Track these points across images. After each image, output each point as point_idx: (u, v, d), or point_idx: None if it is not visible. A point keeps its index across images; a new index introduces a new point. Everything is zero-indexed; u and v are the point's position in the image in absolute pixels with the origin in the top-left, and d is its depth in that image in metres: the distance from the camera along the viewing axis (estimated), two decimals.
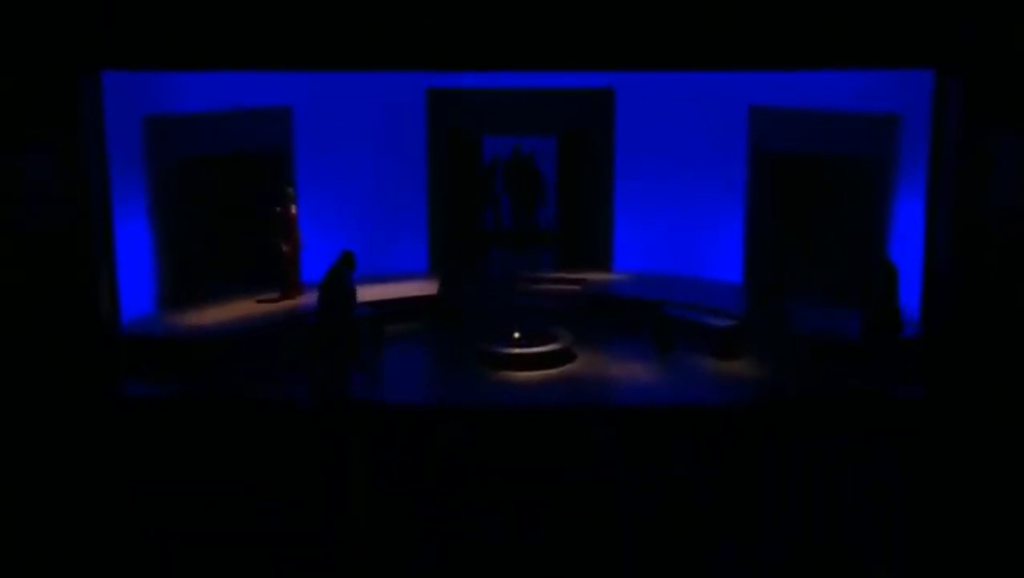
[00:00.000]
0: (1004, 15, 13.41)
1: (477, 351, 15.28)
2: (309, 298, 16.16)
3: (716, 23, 13.59)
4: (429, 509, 10.94)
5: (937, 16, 13.46)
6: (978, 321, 13.91)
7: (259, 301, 16.56)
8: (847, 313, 15.08)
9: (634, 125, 18.39)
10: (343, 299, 13.93)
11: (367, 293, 16.01)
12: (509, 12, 13.54)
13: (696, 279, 17.50)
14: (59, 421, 12.95)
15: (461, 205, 19.54)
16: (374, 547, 10.42)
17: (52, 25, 13.43)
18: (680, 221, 18.17)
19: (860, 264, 15.26)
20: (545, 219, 21.27)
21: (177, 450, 12.40)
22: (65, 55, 13.53)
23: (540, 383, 14.46)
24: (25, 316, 13.74)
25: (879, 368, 13.94)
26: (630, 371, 14.94)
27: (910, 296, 14.83)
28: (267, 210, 16.62)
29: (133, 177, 15.58)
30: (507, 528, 10.59)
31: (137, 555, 10.39)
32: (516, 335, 15.42)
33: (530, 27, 13.59)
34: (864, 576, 10.03)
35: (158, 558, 10.30)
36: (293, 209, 16.64)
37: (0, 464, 12.02)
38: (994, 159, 13.69)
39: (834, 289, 16.05)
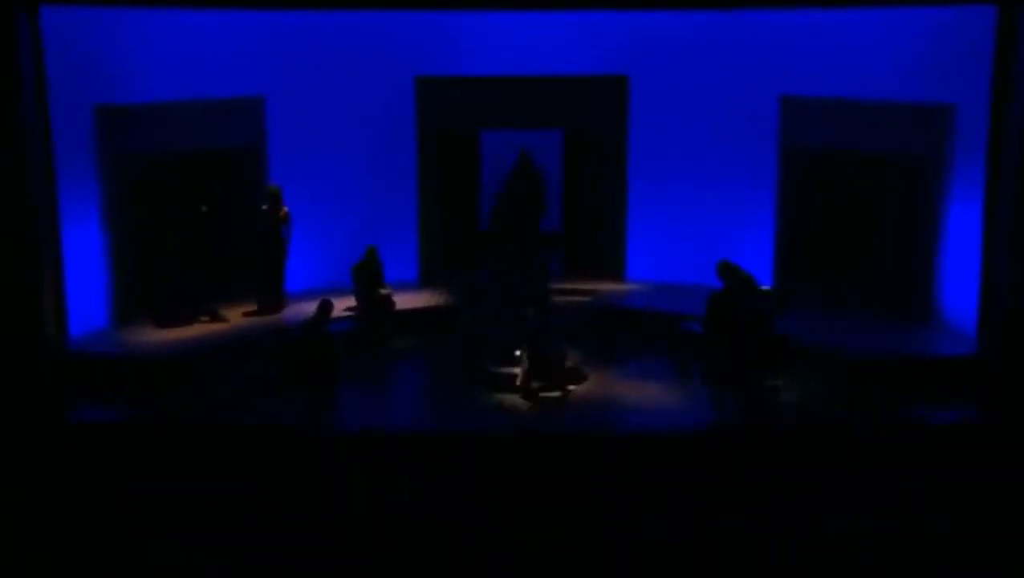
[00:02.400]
0: None
1: (474, 371, 15.12)
2: (292, 311, 16.50)
3: None
4: (422, 547, 10.83)
5: None
6: None
7: (244, 314, 16.52)
8: (890, 328, 15.42)
9: (650, 118, 18.17)
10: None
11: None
12: None
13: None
14: None
15: (457, 207, 19.46)
16: None
17: None
18: (701, 226, 18.00)
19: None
20: (550, 223, 20.98)
21: (132, 483, 12.18)
22: None
23: (545, 406, 14.28)
24: None
25: (924, 389, 13.98)
26: (646, 393, 14.76)
27: (966, 310, 14.88)
28: (254, 210, 16.55)
29: (83, 174, 15.30)
30: (508, 569, 10.50)
31: None
32: (518, 353, 15.19)
33: None
34: None
35: None
36: (284, 209, 16.56)
37: None
38: None
39: (876, 302, 16.06)
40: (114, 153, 15.72)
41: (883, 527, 11.23)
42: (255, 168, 17.22)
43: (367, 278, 16.43)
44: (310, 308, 14.97)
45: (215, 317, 16.19)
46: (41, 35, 14.15)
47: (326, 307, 14.55)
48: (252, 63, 16.71)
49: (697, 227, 17.98)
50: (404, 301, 17.10)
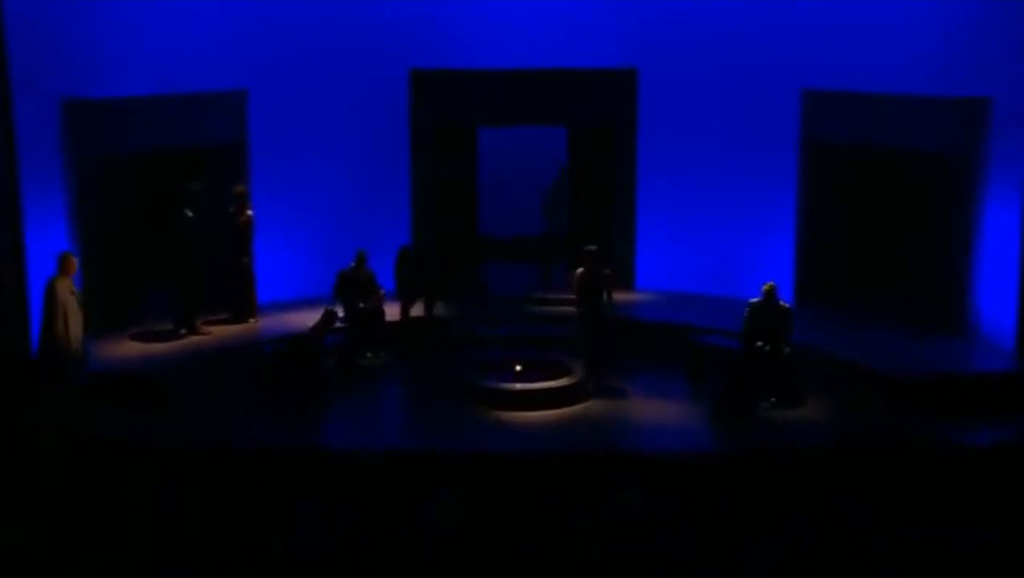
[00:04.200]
0: None
1: (470, 387, 15.07)
2: (265, 323, 16.64)
3: None
4: (420, 566, 10.70)
5: None
6: None
7: (204, 323, 16.43)
8: (920, 341, 15.45)
9: (662, 113, 18.21)
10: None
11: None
12: None
13: (737, 300, 16.80)
14: None
15: (454, 210, 19.39)
16: None
17: None
18: (717, 230, 18.05)
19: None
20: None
21: (103, 505, 11.90)
22: None
23: (547, 426, 14.33)
24: None
25: (957, 407, 13.90)
26: (658, 411, 14.83)
27: (1004, 322, 14.80)
28: (226, 214, 16.54)
29: (50, 173, 15.21)
30: None
31: None
32: (518, 367, 15.27)
33: None
34: None
35: None
36: (248, 212, 16.51)
37: None
38: None
39: (906, 312, 16.11)
40: (83, 151, 15.64)
41: (912, 549, 11.03)
42: (235, 167, 17.19)
43: (349, 286, 16.34)
44: (289, 318, 14.94)
45: (193, 331, 16.07)
46: (4, 20, 13.99)
47: (328, 318, 14.52)
48: (233, 54, 16.70)
49: (712, 232, 18.04)
50: (394, 311, 16.99)
